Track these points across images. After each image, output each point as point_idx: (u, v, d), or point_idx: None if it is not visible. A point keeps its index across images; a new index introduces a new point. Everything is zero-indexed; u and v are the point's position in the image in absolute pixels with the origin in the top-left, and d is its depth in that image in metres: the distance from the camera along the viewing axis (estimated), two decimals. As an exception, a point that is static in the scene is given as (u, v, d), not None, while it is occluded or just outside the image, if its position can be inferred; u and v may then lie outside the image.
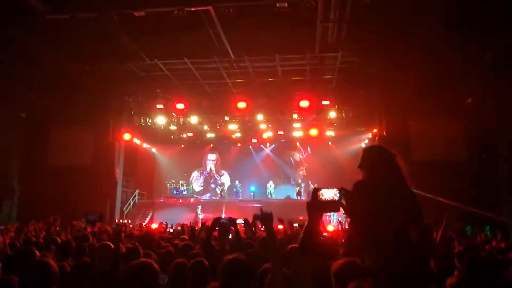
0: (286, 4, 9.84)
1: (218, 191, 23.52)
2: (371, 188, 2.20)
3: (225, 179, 23.69)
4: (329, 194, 1.92)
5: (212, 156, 23.90)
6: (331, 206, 1.89)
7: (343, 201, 1.94)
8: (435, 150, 15.16)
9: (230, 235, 4.69)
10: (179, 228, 9.97)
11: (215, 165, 23.94)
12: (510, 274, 3.55)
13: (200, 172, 23.91)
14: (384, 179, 2.24)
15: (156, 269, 2.40)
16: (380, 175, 2.26)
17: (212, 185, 23.72)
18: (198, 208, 20.00)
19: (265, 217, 2.46)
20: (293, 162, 23.23)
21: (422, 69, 13.11)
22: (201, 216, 18.74)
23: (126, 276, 2.46)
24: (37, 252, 3.46)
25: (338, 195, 1.90)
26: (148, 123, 18.40)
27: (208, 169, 23.96)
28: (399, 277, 1.90)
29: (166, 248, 4.91)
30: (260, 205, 19.27)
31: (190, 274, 2.89)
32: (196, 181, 23.84)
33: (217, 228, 3.63)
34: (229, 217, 3.94)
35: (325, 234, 9.49)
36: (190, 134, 20.58)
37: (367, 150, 2.50)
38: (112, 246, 3.57)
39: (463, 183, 14.21)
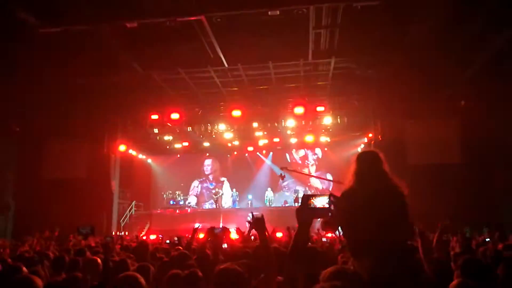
0: (278, 12, 9.88)
1: (213, 200, 23.25)
2: (356, 195, 2.18)
3: (225, 187, 23.42)
4: (320, 201, 1.89)
5: (208, 162, 23.66)
6: (320, 212, 1.87)
7: (332, 208, 1.91)
8: (431, 153, 15.21)
9: (226, 244, 4.67)
10: (175, 239, 9.83)
11: (213, 171, 23.71)
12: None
13: (200, 181, 23.67)
14: (370, 186, 2.22)
15: (141, 282, 2.36)
16: (366, 182, 2.24)
17: (210, 193, 23.42)
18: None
19: (256, 222, 2.42)
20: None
21: (416, 73, 13.19)
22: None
23: None
24: (24, 268, 3.39)
25: (328, 201, 1.88)
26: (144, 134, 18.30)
27: (207, 174, 23.70)
28: (388, 284, 1.87)
29: (162, 259, 4.86)
30: (258, 213, 19.17)
31: (184, 285, 2.85)
32: (196, 189, 23.51)
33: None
34: (223, 227, 3.91)
35: (324, 239, 9.44)
36: (186, 143, 20.48)
37: (357, 157, 2.48)
38: (99, 260, 3.51)
39: (460, 185, 14.25)
